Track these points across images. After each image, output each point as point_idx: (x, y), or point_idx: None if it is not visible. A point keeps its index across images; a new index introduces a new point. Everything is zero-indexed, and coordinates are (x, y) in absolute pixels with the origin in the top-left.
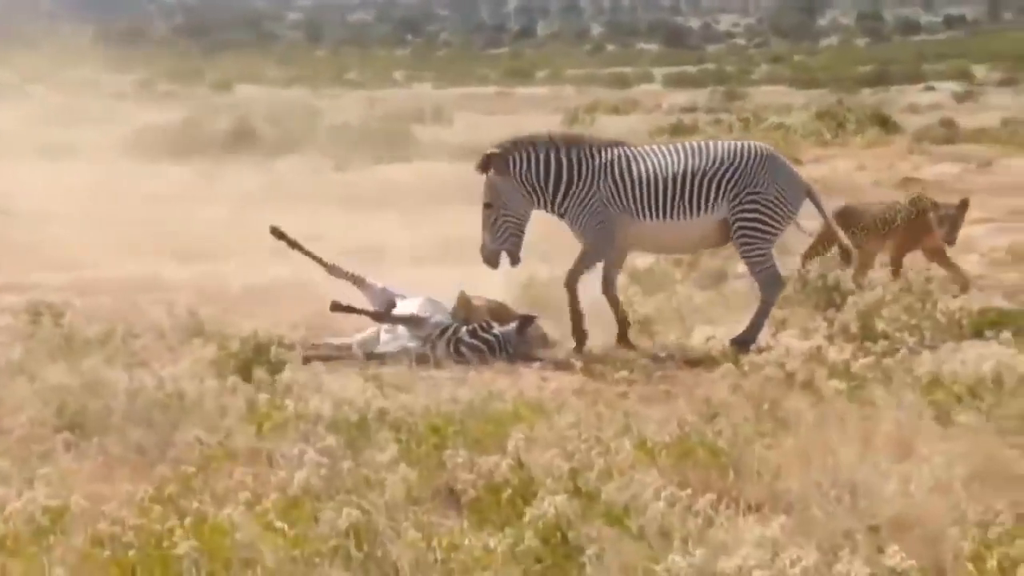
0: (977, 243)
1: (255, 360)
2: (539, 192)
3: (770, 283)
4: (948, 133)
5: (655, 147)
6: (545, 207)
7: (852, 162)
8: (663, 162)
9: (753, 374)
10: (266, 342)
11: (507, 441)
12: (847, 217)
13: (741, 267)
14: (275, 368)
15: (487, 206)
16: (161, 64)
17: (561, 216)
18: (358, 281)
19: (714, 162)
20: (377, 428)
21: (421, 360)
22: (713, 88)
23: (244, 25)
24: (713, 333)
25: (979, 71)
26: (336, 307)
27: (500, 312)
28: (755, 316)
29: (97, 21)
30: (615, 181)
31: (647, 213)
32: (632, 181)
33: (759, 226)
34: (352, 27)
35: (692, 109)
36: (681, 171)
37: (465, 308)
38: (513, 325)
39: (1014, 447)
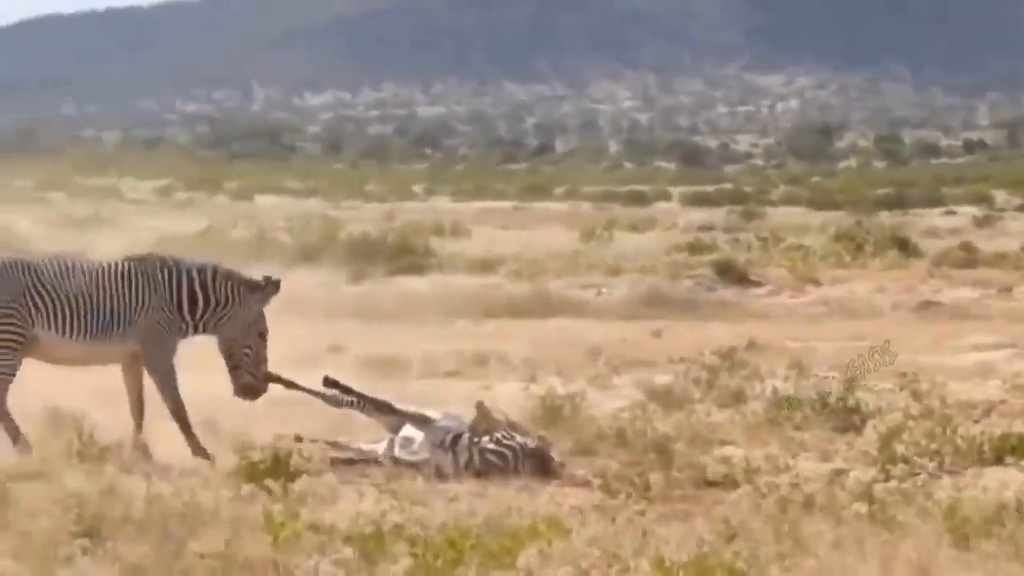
0: (998, 368)
1: (273, 470)
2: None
3: None
4: (968, 257)
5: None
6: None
7: (871, 284)
8: None
9: (772, 495)
10: (285, 452)
11: (523, 557)
12: None
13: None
14: (291, 478)
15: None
16: (182, 172)
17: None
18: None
19: None
20: (392, 541)
21: (439, 473)
22: (730, 207)
23: (264, 136)
24: (732, 454)
25: (999, 196)
26: (329, 383)
27: (516, 428)
28: None
29: (119, 129)
30: None
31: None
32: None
33: None
34: (371, 140)
35: (709, 227)
36: None
37: (486, 419)
38: (534, 438)
39: None
